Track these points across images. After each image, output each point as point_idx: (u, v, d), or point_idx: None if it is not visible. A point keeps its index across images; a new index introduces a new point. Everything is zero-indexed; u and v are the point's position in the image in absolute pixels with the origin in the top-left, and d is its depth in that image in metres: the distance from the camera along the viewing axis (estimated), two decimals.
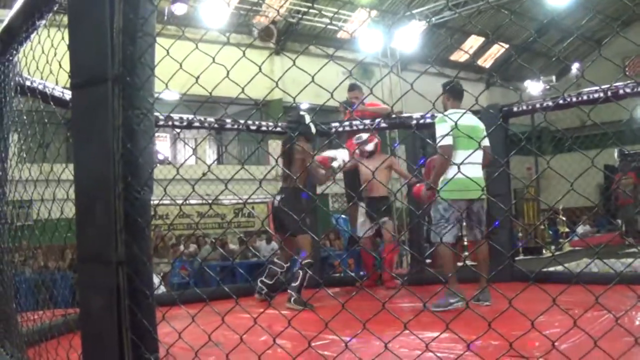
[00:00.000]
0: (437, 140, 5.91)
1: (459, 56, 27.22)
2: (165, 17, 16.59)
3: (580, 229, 17.14)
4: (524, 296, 2.46)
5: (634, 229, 14.38)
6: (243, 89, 2.36)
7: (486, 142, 6.14)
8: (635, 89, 6.83)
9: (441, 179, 5.91)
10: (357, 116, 8.49)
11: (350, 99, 8.54)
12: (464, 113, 5.93)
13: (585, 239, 15.88)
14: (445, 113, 5.95)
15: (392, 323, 3.14)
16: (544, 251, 14.44)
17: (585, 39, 27.38)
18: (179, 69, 2.36)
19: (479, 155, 5.97)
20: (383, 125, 8.82)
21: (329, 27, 20.10)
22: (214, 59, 2.23)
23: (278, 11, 19.16)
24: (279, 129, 8.54)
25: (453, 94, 6.17)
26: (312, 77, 2.26)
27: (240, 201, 16.78)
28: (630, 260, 8.04)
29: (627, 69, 26.85)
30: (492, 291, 5.89)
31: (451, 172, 5.81)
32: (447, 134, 5.75)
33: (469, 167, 5.72)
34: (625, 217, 13.42)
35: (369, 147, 8.16)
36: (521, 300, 2.36)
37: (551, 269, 7.75)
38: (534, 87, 25.43)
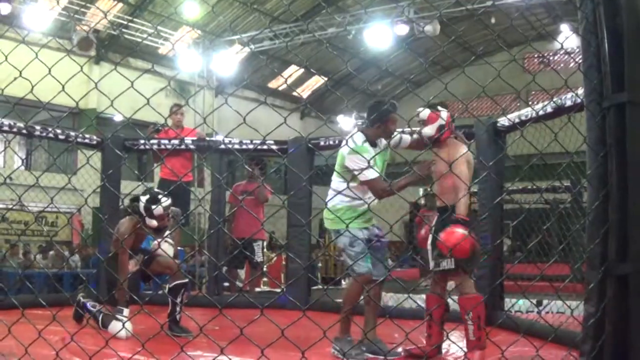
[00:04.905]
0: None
1: (277, 85, 27.71)
2: None
3: None
4: (301, 323, 2.70)
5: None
6: (46, 106, 2.43)
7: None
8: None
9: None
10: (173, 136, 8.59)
11: (172, 118, 9.12)
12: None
13: None
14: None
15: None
16: (342, 282, 14.88)
17: (404, 80, 28.03)
18: None
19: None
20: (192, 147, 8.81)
21: (151, 42, 19.89)
22: (20, 73, 2.30)
23: (91, 28, 18.69)
24: (87, 140, 8.33)
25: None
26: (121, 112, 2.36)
27: (46, 209, 16.15)
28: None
29: None
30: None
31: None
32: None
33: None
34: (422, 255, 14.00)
35: (428, 130, 5.26)
36: (298, 328, 2.61)
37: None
38: (346, 122, 26.40)
